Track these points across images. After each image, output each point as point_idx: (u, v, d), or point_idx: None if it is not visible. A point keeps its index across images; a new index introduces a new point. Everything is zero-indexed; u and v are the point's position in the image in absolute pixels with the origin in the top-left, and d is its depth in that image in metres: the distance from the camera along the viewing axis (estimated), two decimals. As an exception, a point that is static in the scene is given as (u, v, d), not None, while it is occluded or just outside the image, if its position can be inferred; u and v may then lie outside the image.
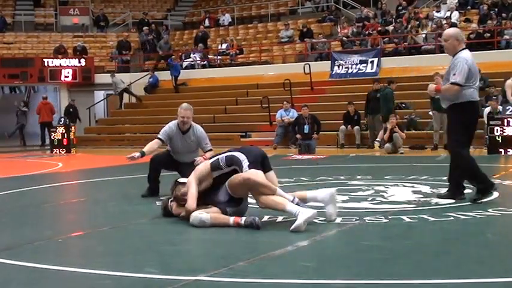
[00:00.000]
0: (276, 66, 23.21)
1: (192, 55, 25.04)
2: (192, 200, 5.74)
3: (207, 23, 27.77)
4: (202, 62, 24.76)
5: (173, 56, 24.36)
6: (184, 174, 6.90)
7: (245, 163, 5.75)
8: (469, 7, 22.73)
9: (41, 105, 23.39)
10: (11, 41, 27.63)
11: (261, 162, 5.86)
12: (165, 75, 24.15)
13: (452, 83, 6.65)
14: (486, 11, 21.08)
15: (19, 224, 6.29)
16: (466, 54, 6.75)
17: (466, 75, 6.61)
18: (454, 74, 6.63)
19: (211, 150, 7.90)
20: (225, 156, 5.89)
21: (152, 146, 7.77)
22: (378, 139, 15.41)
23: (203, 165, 6.00)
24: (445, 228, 5.50)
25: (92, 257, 4.79)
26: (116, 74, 23.93)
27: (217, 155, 6.03)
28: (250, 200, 5.91)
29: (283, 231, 5.44)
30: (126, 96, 24.10)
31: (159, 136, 7.85)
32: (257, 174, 5.67)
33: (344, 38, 22.65)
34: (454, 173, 6.96)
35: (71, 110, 23.23)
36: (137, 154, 7.60)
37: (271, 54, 24.57)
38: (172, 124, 7.88)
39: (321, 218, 5.95)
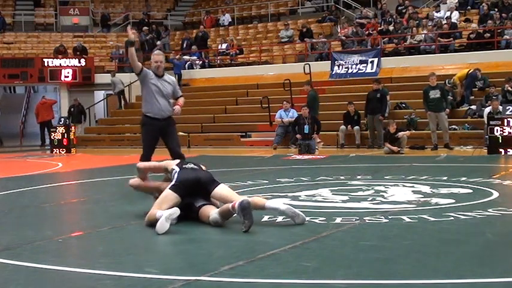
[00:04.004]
0: (276, 66, 23.22)
1: (190, 56, 25.05)
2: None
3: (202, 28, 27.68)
4: (199, 62, 24.76)
5: (176, 56, 24.32)
6: (171, 143, 8.25)
7: (173, 181, 5.91)
8: (469, 7, 22.74)
9: (39, 105, 23.47)
10: (11, 41, 27.63)
11: (190, 187, 5.84)
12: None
13: None
14: (486, 11, 21.09)
15: (19, 224, 6.29)
16: None
17: None
18: None
19: (182, 96, 8.48)
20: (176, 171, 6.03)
21: (135, 58, 8.07)
22: (386, 148, 15.23)
23: (170, 163, 6.29)
24: (445, 228, 5.49)
25: (92, 257, 4.79)
26: (116, 74, 23.95)
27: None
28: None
29: (283, 231, 5.45)
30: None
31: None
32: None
33: (343, 37, 22.65)
34: None
35: (72, 109, 23.24)
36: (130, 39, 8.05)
37: (271, 54, 24.57)
38: (148, 71, 8.19)
39: (321, 218, 5.96)
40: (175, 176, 5.91)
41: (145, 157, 8.28)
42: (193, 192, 5.85)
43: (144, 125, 8.41)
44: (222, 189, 5.86)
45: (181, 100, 8.37)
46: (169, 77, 8.40)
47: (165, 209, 5.61)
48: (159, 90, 8.13)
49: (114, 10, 31.16)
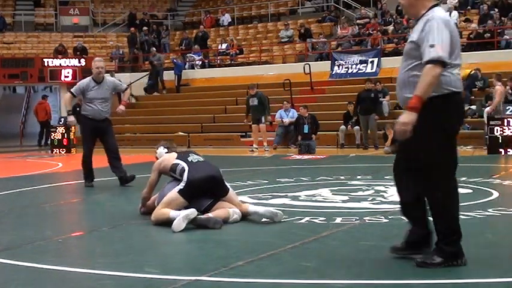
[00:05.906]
0: (276, 66, 23.19)
1: (190, 55, 25.04)
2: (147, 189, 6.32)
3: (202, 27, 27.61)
4: (199, 62, 24.77)
5: (176, 56, 24.31)
6: (107, 141, 9.12)
7: (182, 181, 5.79)
8: (469, 7, 22.74)
9: (37, 105, 23.65)
10: (11, 41, 27.62)
11: (200, 187, 5.78)
12: (164, 76, 24.14)
13: (431, 61, 3.91)
14: (486, 11, 21.09)
15: (19, 224, 6.29)
16: (441, 13, 4.12)
17: (448, 48, 3.97)
18: (433, 46, 3.90)
19: (127, 88, 9.55)
20: (181, 165, 5.91)
21: (68, 101, 9.25)
22: (386, 148, 15.17)
23: (166, 161, 6.10)
24: (445, 228, 5.48)
25: (92, 257, 4.79)
26: (115, 74, 23.92)
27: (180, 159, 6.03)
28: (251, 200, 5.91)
29: (283, 231, 5.45)
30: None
31: (71, 90, 9.12)
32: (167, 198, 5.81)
33: (342, 42, 22.66)
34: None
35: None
36: (71, 118, 9.32)
37: (271, 54, 24.56)
38: (87, 80, 9.12)
39: (321, 218, 5.96)
40: (185, 175, 5.77)
41: (88, 150, 9.08)
42: (203, 191, 5.79)
43: (81, 123, 9.34)
44: (231, 194, 5.99)
45: (126, 95, 9.80)
46: (108, 80, 9.29)
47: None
48: (97, 97, 9.01)
49: (114, 10, 31.15)
